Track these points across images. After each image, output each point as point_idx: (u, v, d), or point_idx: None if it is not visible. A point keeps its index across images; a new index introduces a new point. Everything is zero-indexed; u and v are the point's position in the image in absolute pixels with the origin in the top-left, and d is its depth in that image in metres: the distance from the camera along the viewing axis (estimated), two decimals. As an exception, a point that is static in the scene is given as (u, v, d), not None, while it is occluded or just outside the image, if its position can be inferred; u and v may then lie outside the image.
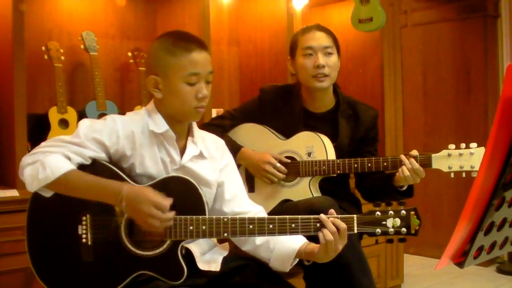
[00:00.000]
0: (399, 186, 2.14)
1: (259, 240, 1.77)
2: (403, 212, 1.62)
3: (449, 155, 2.04)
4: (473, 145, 2.03)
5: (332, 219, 1.62)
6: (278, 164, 2.21)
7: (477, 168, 2.01)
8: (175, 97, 1.69)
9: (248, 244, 1.80)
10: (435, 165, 2.06)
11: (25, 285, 2.31)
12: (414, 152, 2.09)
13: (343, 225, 1.61)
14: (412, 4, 4.58)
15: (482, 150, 2.02)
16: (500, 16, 4.30)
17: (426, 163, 2.07)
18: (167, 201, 1.57)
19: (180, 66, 1.67)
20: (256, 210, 1.85)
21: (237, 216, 1.67)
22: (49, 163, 1.58)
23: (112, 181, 1.61)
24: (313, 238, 1.72)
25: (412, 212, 1.61)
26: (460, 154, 2.03)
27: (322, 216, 1.63)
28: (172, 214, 1.58)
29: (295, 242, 1.74)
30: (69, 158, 1.62)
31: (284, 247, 1.74)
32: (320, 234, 1.62)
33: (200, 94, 1.69)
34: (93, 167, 1.66)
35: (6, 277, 2.28)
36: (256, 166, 2.22)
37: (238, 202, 1.84)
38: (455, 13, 4.44)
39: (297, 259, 1.77)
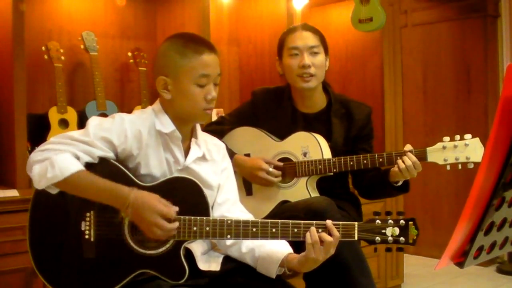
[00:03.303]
0: (394, 182, 2.14)
1: (244, 248, 1.77)
2: (402, 221, 1.64)
3: (444, 147, 2.04)
4: (468, 136, 2.03)
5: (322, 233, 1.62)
6: (271, 169, 2.20)
7: (472, 159, 2.01)
8: (184, 99, 1.70)
9: (234, 251, 1.80)
10: (430, 158, 2.06)
11: (25, 285, 2.31)
12: (408, 147, 2.09)
13: (329, 239, 1.60)
14: (412, 4, 4.58)
15: (476, 140, 2.02)
16: (500, 16, 4.30)
17: (421, 156, 2.07)
18: (173, 210, 1.59)
19: (191, 68, 1.68)
20: (245, 217, 1.84)
21: (241, 219, 1.67)
22: (58, 162, 1.59)
23: (121, 185, 1.61)
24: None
25: (411, 222, 1.64)
26: (455, 146, 2.03)
27: (312, 229, 1.62)
28: (176, 224, 1.60)
29: (279, 251, 1.73)
30: (78, 157, 1.63)
31: (268, 257, 1.73)
32: (307, 236, 1.62)
33: (209, 96, 1.70)
34: (101, 165, 1.66)
35: (6, 277, 2.28)
36: (250, 173, 2.23)
37: (228, 207, 1.84)
38: (455, 13, 4.44)
39: (282, 270, 1.74)
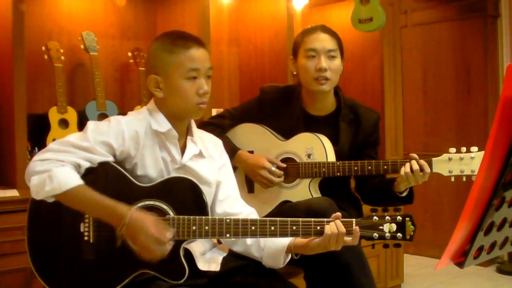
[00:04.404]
0: (399, 192, 2.13)
1: (249, 240, 1.78)
2: (399, 218, 1.66)
3: (449, 159, 2.03)
4: (474, 149, 2.02)
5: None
6: (273, 168, 2.19)
7: (477, 172, 1.99)
8: (176, 95, 1.70)
9: (239, 244, 1.81)
10: (436, 169, 2.05)
11: (25, 285, 2.31)
12: (414, 155, 2.08)
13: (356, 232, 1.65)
14: (412, 4, 4.59)
15: (482, 154, 2.00)
16: (500, 16, 4.30)
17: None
18: (167, 236, 1.57)
19: (179, 63, 1.69)
20: (248, 211, 1.86)
21: (240, 218, 1.68)
22: (58, 175, 1.58)
23: (119, 204, 1.60)
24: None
25: (408, 219, 1.66)
26: (461, 158, 2.02)
27: (338, 222, 1.66)
28: (167, 250, 1.58)
29: (284, 238, 1.75)
30: (79, 165, 1.63)
31: (274, 244, 1.76)
32: (326, 227, 1.64)
33: (201, 90, 1.71)
34: (101, 169, 1.66)
35: (6, 277, 2.28)
36: (251, 171, 2.22)
37: (230, 203, 1.85)
38: (455, 13, 4.44)
39: (289, 255, 1.78)
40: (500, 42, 4.31)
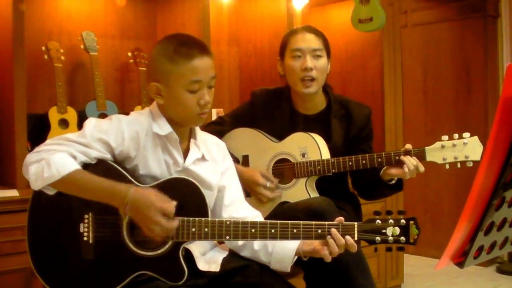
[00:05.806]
0: (388, 180, 2.13)
1: (257, 245, 1.77)
2: (403, 221, 1.63)
3: (442, 146, 2.03)
4: (466, 134, 2.02)
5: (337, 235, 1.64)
6: (268, 184, 2.17)
7: (471, 157, 2.00)
8: (177, 104, 1.69)
9: (246, 250, 1.80)
10: (429, 157, 2.05)
11: (25, 285, 2.31)
12: (408, 146, 2.09)
13: (350, 241, 1.64)
14: (412, 4, 4.58)
15: (475, 139, 2.01)
16: (500, 16, 4.30)
17: (420, 156, 2.06)
18: (172, 206, 1.58)
19: (181, 74, 1.66)
20: (253, 215, 1.86)
21: (240, 220, 1.67)
22: (55, 161, 1.58)
23: (118, 183, 1.60)
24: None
25: (412, 222, 1.63)
26: (454, 145, 2.02)
27: (333, 230, 1.64)
28: (176, 223, 1.59)
29: (292, 242, 1.74)
30: (74, 157, 1.62)
31: (282, 249, 1.75)
32: (330, 240, 1.64)
33: (202, 101, 1.69)
34: (98, 166, 1.66)
35: (6, 277, 2.28)
36: (247, 186, 2.19)
37: (236, 207, 1.84)
38: (455, 13, 4.44)
39: (296, 257, 1.77)
40: (500, 42, 4.30)
